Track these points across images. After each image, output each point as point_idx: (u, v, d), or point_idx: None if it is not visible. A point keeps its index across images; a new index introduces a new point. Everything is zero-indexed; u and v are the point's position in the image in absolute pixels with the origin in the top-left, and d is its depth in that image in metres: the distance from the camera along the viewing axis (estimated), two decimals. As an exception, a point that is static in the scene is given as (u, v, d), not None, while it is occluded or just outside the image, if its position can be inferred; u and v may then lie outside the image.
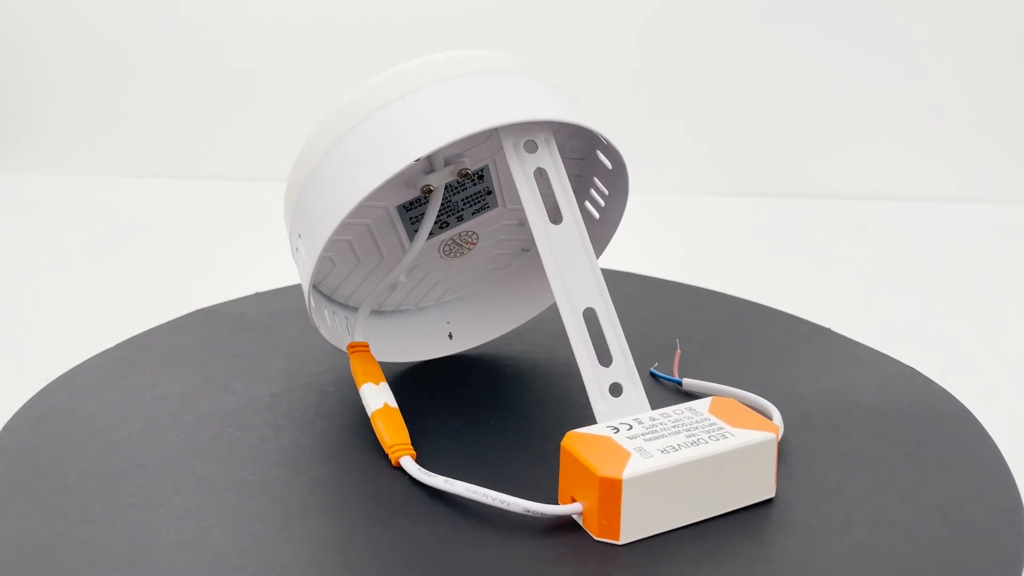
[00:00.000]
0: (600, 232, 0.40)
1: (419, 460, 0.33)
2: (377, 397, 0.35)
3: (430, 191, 0.37)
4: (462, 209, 0.39)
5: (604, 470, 0.28)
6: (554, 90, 0.34)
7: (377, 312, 0.42)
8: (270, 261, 0.66)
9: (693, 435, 0.30)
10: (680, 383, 0.39)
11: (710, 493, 0.29)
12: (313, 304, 0.36)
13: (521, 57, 0.35)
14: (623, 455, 0.28)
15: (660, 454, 0.29)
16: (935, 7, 0.89)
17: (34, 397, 0.37)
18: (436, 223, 0.39)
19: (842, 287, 0.62)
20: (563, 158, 0.39)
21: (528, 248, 0.42)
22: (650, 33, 0.92)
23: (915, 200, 0.87)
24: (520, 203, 0.39)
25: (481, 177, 0.38)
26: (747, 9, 0.91)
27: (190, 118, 0.98)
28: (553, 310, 0.40)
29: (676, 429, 0.30)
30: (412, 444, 0.33)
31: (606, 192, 0.39)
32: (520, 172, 0.33)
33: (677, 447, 0.29)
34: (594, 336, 0.32)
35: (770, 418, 0.35)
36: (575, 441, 0.29)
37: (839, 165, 0.91)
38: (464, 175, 0.36)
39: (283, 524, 0.29)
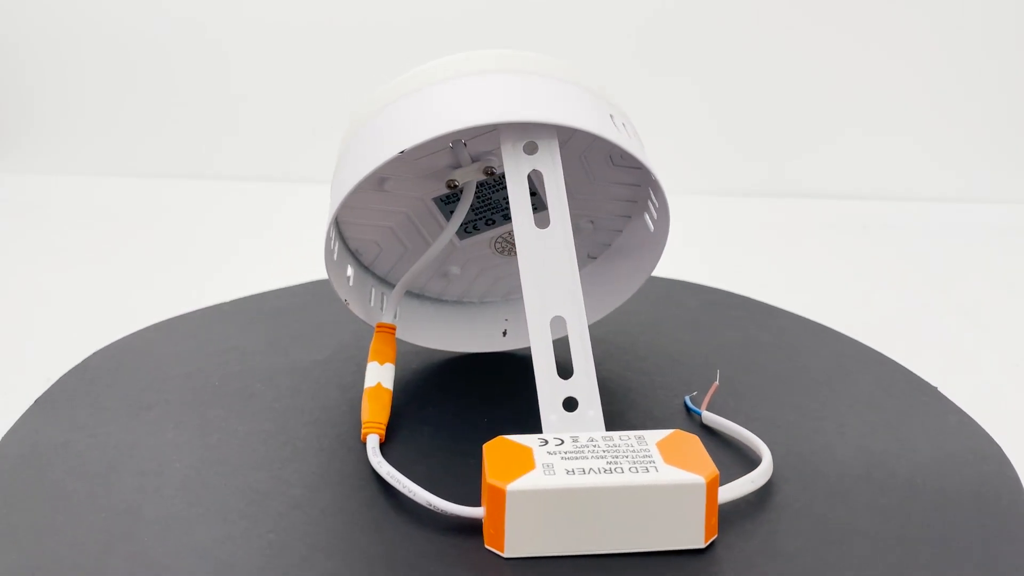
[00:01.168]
0: (653, 243, 0.39)
1: (393, 442, 0.34)
2: (375, 376, 0.35)
3: (454, 186, 0.37)
4: (505, 208, 0.39)
5: (495, 478, 0.27)
6: (588, 99, 0.33)
7: (438, 301, 0.43)
8: (271, 262, 0.66)
9: (615, 463, 0.28)
10: (700, 415, 0.36)
11: (616, 526, 0.27)
12: (351, 276, 0.39)
13: (575, 65, 0.35)
14: (527, 467, 0.27)
15: (564, 474, 0.27)
16: (936, 7, 0.89)
17: (37, 400, 0.37)
18: (481, 219, 0.39)
19: (842, 287, 0.62)
20: (619, 167, 0.39)
21: (595, 255, 0.42)
22: (650, 32, 0.92)
23: (915, 200, 0.87)
24: (575, 208, 0.39)
25: None
26: (747, 7, 0.91)
27: (191, 118, 0.98)
28: (611, 319, 0.42)
29: (603, 454, 0.28)
30: (410, 430, 0.35)
31: (657, 203, 0.38)
32: (514, 172, 0.32)
33: (586, 471, 0.27)
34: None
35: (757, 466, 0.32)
36: (497, 445, 0.29)
37: (839, 165, 0.91)
38: (490, 173, 0.37)
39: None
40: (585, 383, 0.31)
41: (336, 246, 0.38)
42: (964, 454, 0.34)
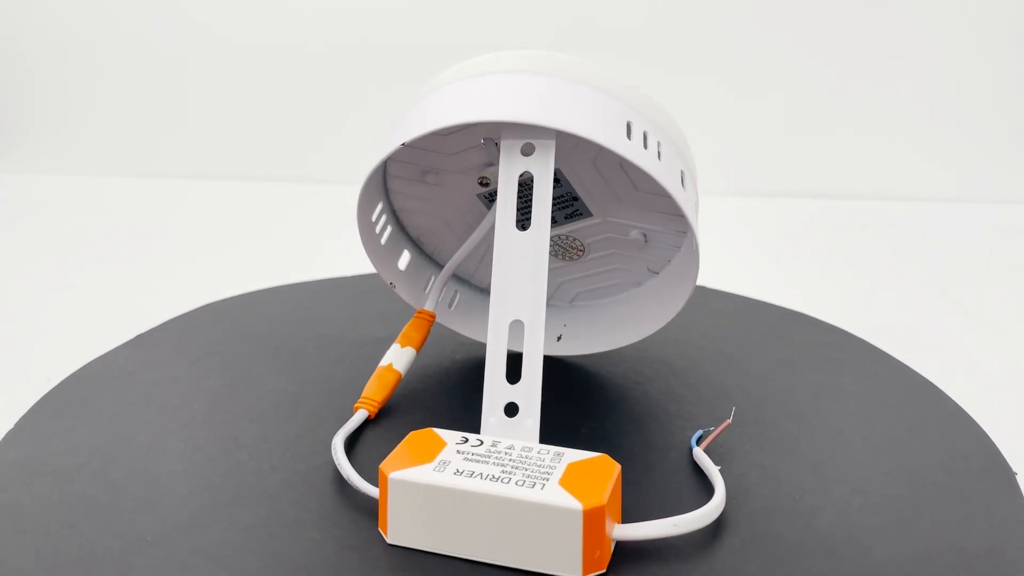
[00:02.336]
0: (687, 262, 0.39)
1: (383, 420, 0.36)
2: (390, 356, 0.37)
3: (485, 183, 0.37)
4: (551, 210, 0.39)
5: (387, 463, 0.28)
6: (606, 106, 0.32)
7: None
8: (273, 262, 0.66)
9: (508, 473, 0.27)
10: (692, 449, 0.34)
11: (490, 536, 0.27)
12: (408, 262, 0.41)
13: (609, 73, 0.34)
14: (425, 460, 0.28)
15: (452, 473, 0.27)
16: (936, 6, 0.89)
17: (41, 400, 0.37)
18: (527, 219, 0.38)
19: (843, 287, 0.62)
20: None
21: (657, 270, 0.41)
22: (649, 32, 0.92)
23: (916, 200, 0.87)
24: (624, 218, 0.39)
25: (557, 180, 0.37)
26: (748, 7, 0.91)
27: (192, 118, 0.98)
28: (666, 336, 0.42)
29: (506, 463, 0.28)
30: (408, 414, 0.36)
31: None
32: (506, 171, 0.32)
33: (473, 474, 0.27)
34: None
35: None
36: (421, 435, 0.30)
37: (840, 165, 0.91)
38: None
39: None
40: (529, 391, 0.30)
41: (389, 231, 0.40)
42: (963, 454, 0.34)
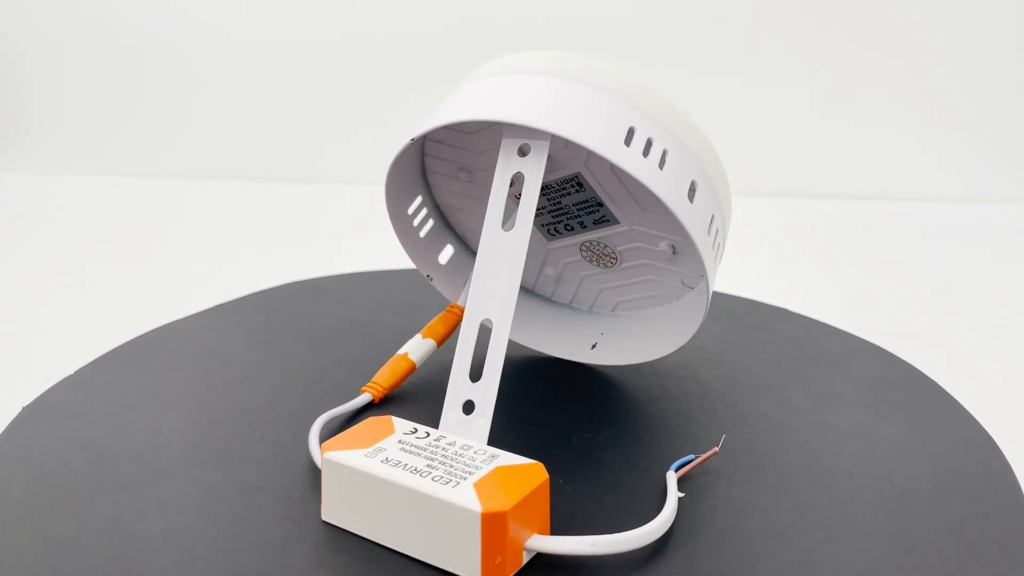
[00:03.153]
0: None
1: (388, 405, 0.37)
2: (408, 346, 0.38)
3: (511, 184, 0.37)
4: (578, 215, 0.38)
5: (330, 443, 0.29)
6: (611, 111, 0.31)
7: (548, 301, 0.43)
8: (273, 262, 0.66)
9: (433, 468, 0.27)
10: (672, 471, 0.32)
11: (403, 527, 0.27)
12: (451, 256, 0.41)
13: (633, 77, 0.33)
14: (365, 444, 0.29)
15: (380, 461, 0.28)
16: (936, 6, 0.89)
17: (40, 396, 0.37)
18: (560, 222, 0.39)
19: (843, 287, 0.62)
20: None
21: (692, 285, 0.39)
22: (648, 31, 0.92)
23: (916, 200, 0.87)
24: (650, 228, 0.38)
25: (580, 185, 0.37)
26: (748, 7, 0.91)
27: (193, 118, 0.98)
28: (696, 350, 0.42)
29: (436, 456, 0.28)
30: (412, 402, 0.37)
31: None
32: (502, 171, 0.32)
33: (398, 464, 0.27)
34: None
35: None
36: (378, 421, 0.30)
37: (840, 165, 0.91)
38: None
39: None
40: (486, 391, 0.30)
41: (431, 225, 0.41)
42: (963, 453, 0.34)
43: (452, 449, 0.29)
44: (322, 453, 0.28)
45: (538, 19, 0.93)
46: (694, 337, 0.37)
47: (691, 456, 0.32)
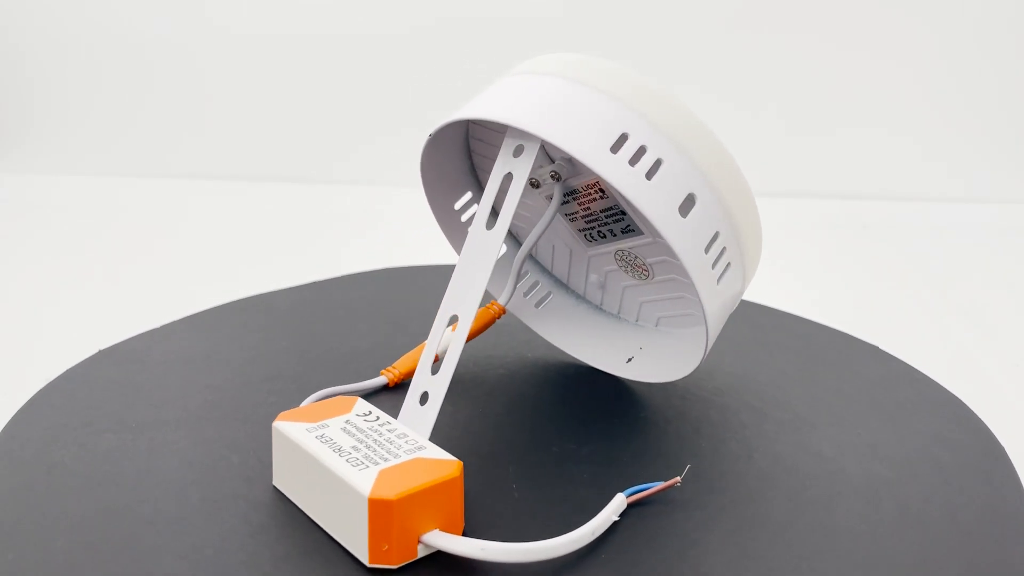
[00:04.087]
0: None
1: (400, 390, 0.38)
2: (441, 336, 0.38)
3: (536, 185, 0.37)
4: (607, 222, 0.38)
5: (288, 413, 0.30)
6: (612, 117, 0.31)
7: (596, 309, 0.42)
8: (275, 261, 0.66)
9: (357, 450, 0.28)
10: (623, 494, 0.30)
11: (319, 502, 0.28)
12: (502, 254, 0.41)
13: (649, 84, 0.32)
14: (316, 419, 0.30)
15: (315, 436, 0.29)
16: (936, 6, 0.89)
17: (37, 394, 0.37)
18: (594, 229, 0.38)
19: (842, 287, 0.62)
20: None
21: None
22: (647, 31, 0.92)
23: (916, 200, 0.87)
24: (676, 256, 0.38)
25: (603, 191, 0.37)
26: (749, 6, 0.91)
27: (193, 118, 0.98)
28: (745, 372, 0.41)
29: (369, 440, 0.29)
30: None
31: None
32: (497, 171, 0.32)
33: (329, 441, 0.29)
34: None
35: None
36: (342, 400, 0.32)
37: (840, 165, 0.91)
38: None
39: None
40: (440, 384, 0.31)
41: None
42: (965, 452, 0.34)
43: (387, 436, 0.29)
44: (275, 423, 0.30)
45: (554, 17, 0.93)
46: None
47: (651, 484, 0.31)
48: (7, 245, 0.70)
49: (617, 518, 0.29)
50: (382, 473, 0.27)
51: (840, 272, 0.66)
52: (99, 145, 0.98)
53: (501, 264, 0.42)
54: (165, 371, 0.40)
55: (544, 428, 0.36)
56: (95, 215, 0.79)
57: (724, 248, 0.31)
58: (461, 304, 0.32)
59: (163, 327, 0.45)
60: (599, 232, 0.38)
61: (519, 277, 0.40)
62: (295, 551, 0.27)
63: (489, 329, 0.41)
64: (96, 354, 0.41)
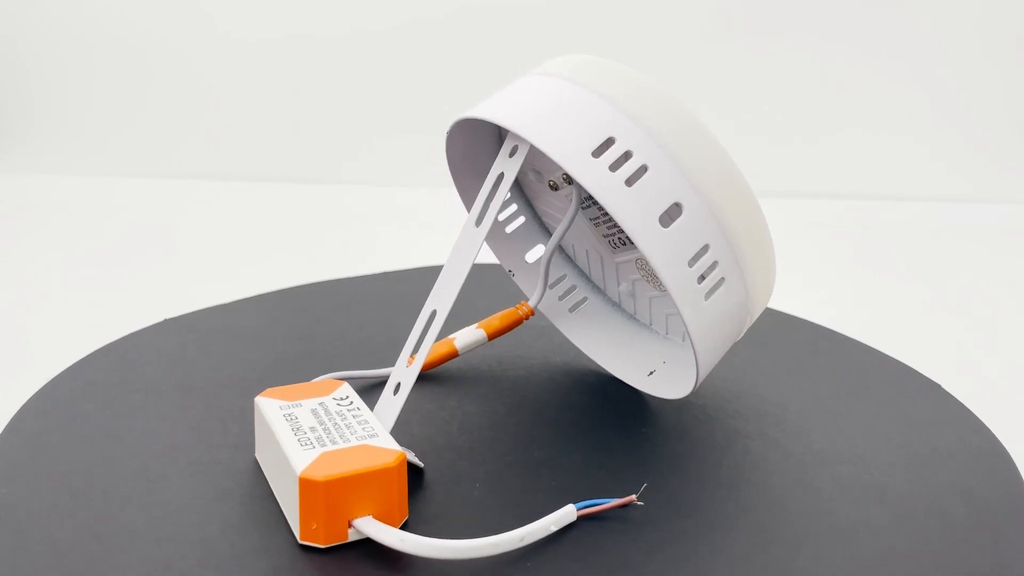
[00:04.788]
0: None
1: (417, 383, 0.39)
2: (459, 332, 0.39)
3: (555, 187, 0.37)
4: (617, 231, 0.38)
5: (274, 390, 0.32)
6: (602, 120, 0.30)
7: (630, 318, 0.41)
8: (274, 261, 0.66)
9: (315, 430, 0.29)
10: (576, 508, 0.29)
11: (274, 476, 0.30)
12: (537, 254, 0.41)
13: (654, 88, 0.31)
14: (296, 398, 0.32)
15: (284, 415, 0.30)
16: (935, 7, 0.89)
17: (37, 393, 0.37)
18: (615, 236, 0.38)
19: (842, 287, 0.62)
20: None
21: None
22: (647, 32, 0.92)
23: (916, 200, 0.87)
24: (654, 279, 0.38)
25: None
26: (749, 5, 0.91)
27: (193, 118, 0.98)
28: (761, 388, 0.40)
29: (331, 423, 0.30)
30: (437, 384, 0.39)
31: None
32: (494, 170, 0.33)
33: (293, 419, 0.30)
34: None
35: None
36: (328, 382, 0.33)
37: (839, 164, 0.91)
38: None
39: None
40: (409, 375, 0.31)
41: (521, 222, 0.41)
42: (966, 452, 0.34)
43: (348, 420, 0.30)
44: (258, 396, 0.32)
45: (537, 33, 0.93)
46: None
47: (606, 500, 0.30)
48: (7, 245, 0.70)
49: (555, 528, 0.28)
50: (325, 455, 0.28)
51: (840, 272, 0.66)
52: (99, 145, 0.98)
53: (536, 267, 0.42)
54: (216, 342, 0.43)
55: (537, 432, 0.35)
56: (94, 215, 0.79)
57: (716, 262, 0.30)
58: (442, 299, 0.32)
59: (235, 302, 0.49)
60: (619, 239, 0.38)
61: (547, 280, 0.39)
62: (246, 518, 0.29)
63: (524, 331, 0.41)
64: (163, 321, 0.46)
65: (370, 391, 0.37)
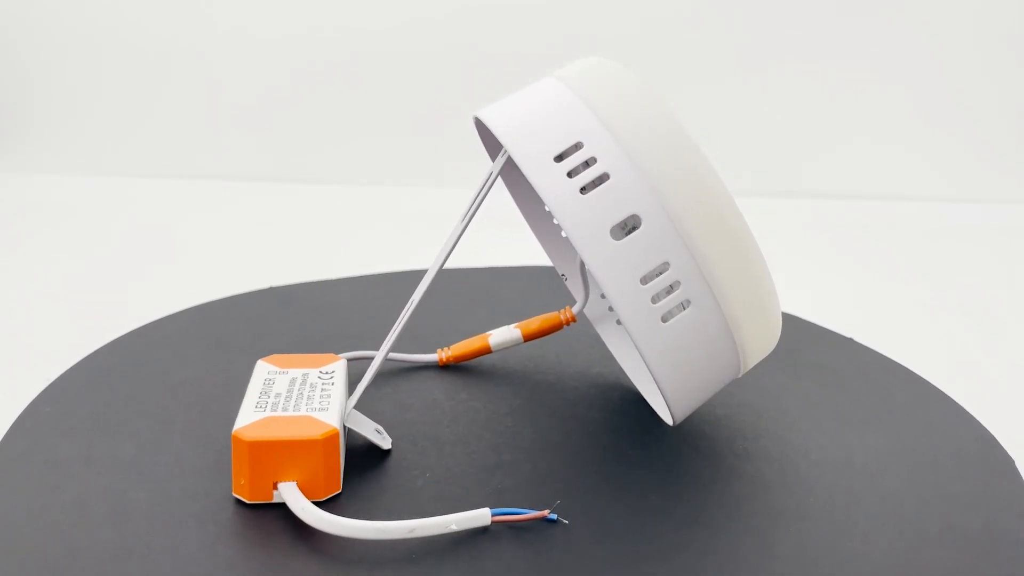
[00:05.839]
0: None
1: (445, 371, 0.40)
2: (496, 330, 0.40)
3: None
4: None
5: (273, 357, 0.35)
6: (573, 125, 0.30)
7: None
8: (275, 260, 0.66)
9: (281, 396, 0.32)
10: (491, 513, 0.29)
11: None
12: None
13: (646, 94, 0.31)
14: (290, 366, 0.34)
15: (267, 379, 0.33)
16: (935, 8, 0.89)
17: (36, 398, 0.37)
18: None
19: (842, 287, 0.62)
20: None
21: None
22: (647, 32, 0.92)
23: (916, 200, 0.87)
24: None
25: None
26: (748, 7, 0.91)
27: (194, 118, 0.98)
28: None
29: (303, 392, 0.32)
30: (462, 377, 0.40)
31: None
32: (491, 168, 0.33)
33: (272, 384, 0.33)
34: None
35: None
36: (328, 356, 0.35)
37: (840, 165, 0.91)
38: None
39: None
40: (379, 359, 0.33)
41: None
42: (965, 452, 0.34)
43: (315, 393, 0.32)
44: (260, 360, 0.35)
45: (534, 34, 0.93)
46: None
47: (523, 511, 0.29)
48: (7, 245, 0.70)
49: (456, 528, 0.28)
50: (269, 419, 0.30)
51: (840, 272, 0.66)
52: (99, 145, 0.98)
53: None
54: (268, 315, 0.46)
55: (521, 437, 0.35)
56: (96, 215, 0.79)
57: (677, 282, 0.28)
58: (418, 293, 0.33)
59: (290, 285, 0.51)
60: None
61: (588, 287, 0.39)
62: (208, 463, 0.32)
63: (578, 336, 0.41)
64: (267, 288, 0.50)
65: (400, 374, 0.40)
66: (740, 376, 0.32)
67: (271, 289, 0.50)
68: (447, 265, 0.32)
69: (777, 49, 0.91)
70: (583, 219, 0.28)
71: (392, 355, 0.40)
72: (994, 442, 0.35)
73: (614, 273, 0.28)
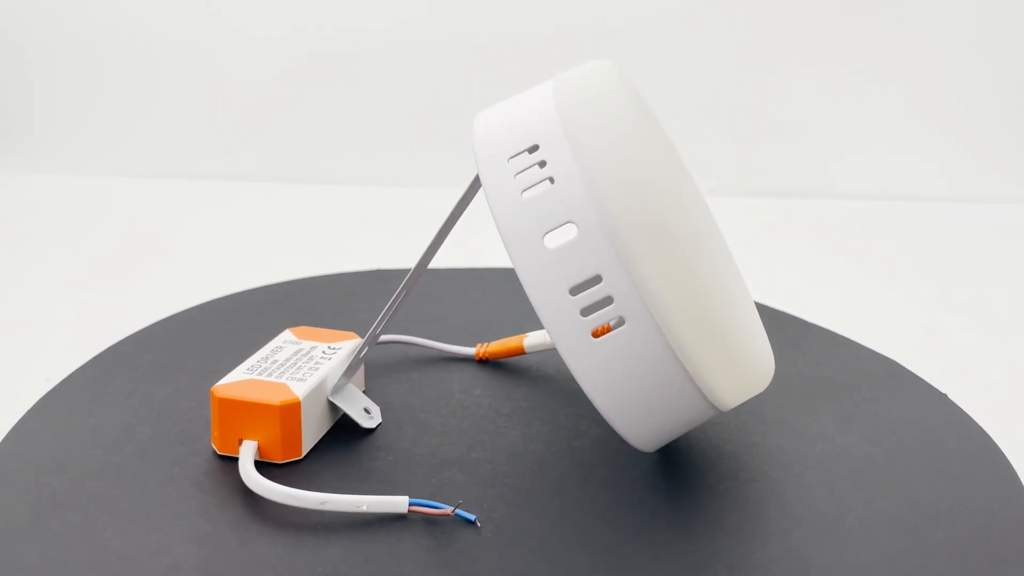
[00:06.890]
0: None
1: (482, 367, 0.41)
2: (533, 334, 0.41)
3: None
4: None
5: (304, 328, 0.38)
6: (532, 129, 0.29)
7: None
8: (275, 260, 0.66)
9: (279, 364, 0.34)
10: (409, 503, 0.29)
11: None
12: None
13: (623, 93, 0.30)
14: (310, 339, 0.36)
15: (279, 348, 0.36)
16: (936, 9, 0.89)
17: (41, 399, 0.37)
18: None
19: (843, 287, 0.62)
20: None
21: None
22: (648, 31, 0.92)
23: (916, 200, 0.87)
24: None
25: None
26: (749, 8, 0.91)
27: (194, 118, 0.98)
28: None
29: (299, 362, 0.34)
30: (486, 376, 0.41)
31: None
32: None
33: (280, 351, 0.35)
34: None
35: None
36: (345, 333, 0.37)
37: (841, 165, 0.91)
38: None
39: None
40: (364, 342, 0.35)
41: None
42: (964, 453, 0.34)
43: (308, 364, 0.34)
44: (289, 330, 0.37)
45: (530, 31, 0.93)
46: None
47: (439, 505, 0.29)
48: (7, 245, 0.70)
49: (367, 508, 0.29)
50: (249, 381, 0.33)
51: (839, 272, 0.66)
52: (100, 145, 0.98)
53: None
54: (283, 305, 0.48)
55: (507, 440, 0.35)
56: (96, 215, 0.79)
57: (610, 297, 0.27)
58: (409, 281, 0.34)
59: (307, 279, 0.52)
60: None
61: None
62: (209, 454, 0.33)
63: None
64: (375, 270, 0.52)
65: (438, 363, 0.41)
66: (724, 411, 0.29)
67: (377, 270, 0.53)
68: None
69: (777, 49, 0.91)
70: (517, 220, 0.27)
71: (434, 344, 0.42)
72: (993, 443, 0.35)
73: (540, 279, 0.27)
